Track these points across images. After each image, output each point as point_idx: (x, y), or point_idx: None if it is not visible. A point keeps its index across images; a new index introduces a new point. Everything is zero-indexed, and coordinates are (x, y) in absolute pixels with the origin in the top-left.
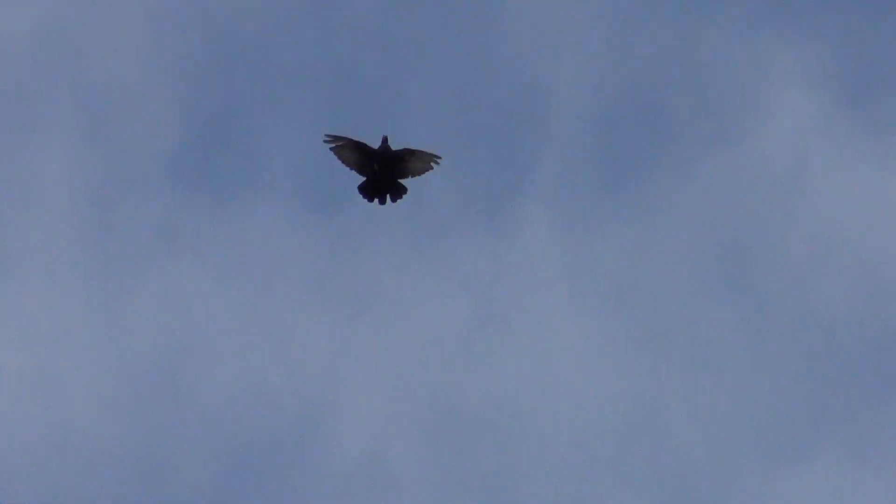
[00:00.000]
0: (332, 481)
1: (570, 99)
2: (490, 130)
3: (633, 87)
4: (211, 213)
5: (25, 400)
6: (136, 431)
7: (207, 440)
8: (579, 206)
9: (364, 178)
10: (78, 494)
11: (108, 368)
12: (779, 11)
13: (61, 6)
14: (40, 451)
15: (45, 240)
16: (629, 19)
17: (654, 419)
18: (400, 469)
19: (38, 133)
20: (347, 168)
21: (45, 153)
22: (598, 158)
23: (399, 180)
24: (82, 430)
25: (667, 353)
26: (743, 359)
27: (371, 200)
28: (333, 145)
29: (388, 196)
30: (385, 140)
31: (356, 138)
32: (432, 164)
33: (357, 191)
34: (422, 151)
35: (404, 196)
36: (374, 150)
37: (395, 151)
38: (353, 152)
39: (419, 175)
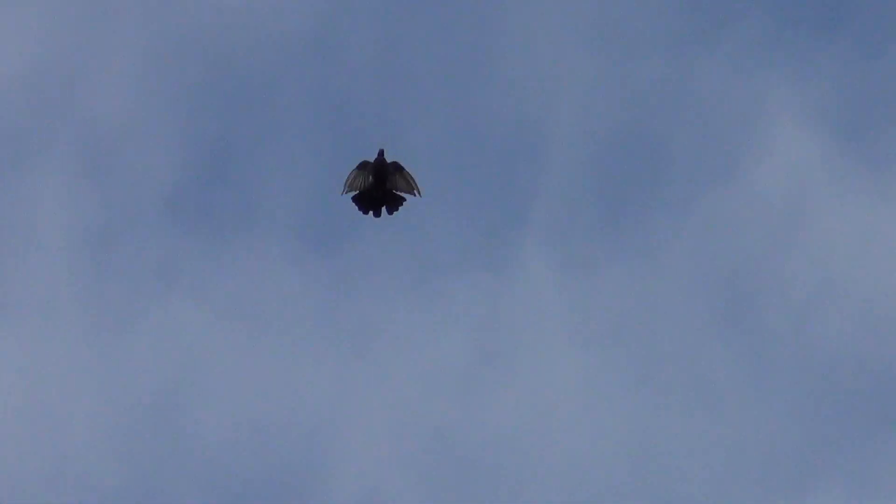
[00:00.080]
0: None
1: (569, 136)
2: (488, 168)
3: (632, 123)
4: (210, 251)
5: (24, 439)
6: (136, 471)
7: (207, 480)
8: (578, 243)
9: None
10: None
11: (107, 408)
12: (776, 48)
13: (59, 44)
14: (39, 490)
15: (44, 279)
16: (627, 56)
17: (654, 456)
18: None
19: (36, 172)
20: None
21: (42, 192)
22: (596, 195)
23: (395, 192)
24: (82, 469)
25: (667, 389)
26: (743, 396)
27: (366, 212)
28: (353, 193)
29: (383, 208)
30: (381, 153)
31: (357, 167)
32: (415, 192)
33: (352, 201)
34: (410, 175)
35: (400, 207)
36: (371, 162)
37: (389, 164)
38: (359, 177)
39: (402, 192)
